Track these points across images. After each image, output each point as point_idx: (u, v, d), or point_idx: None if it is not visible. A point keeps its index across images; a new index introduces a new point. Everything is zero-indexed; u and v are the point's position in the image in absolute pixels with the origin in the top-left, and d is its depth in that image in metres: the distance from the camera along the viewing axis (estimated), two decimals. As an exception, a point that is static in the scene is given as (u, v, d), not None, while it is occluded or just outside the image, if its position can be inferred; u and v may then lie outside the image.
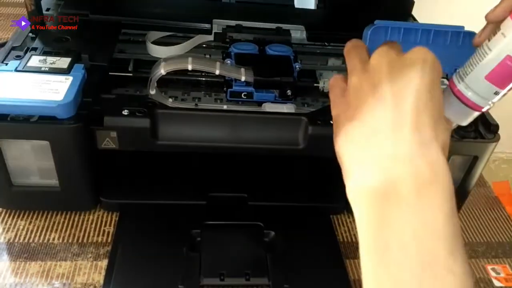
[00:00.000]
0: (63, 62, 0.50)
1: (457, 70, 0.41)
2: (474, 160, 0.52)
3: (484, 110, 0.40)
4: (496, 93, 0.38)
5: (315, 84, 0.64)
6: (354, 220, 0.55)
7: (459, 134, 0.49)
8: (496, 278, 0.51)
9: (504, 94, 0.39)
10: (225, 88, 0.59)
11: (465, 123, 0.43)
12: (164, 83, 0.61)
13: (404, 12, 0.72)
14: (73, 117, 0.45)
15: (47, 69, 0.48)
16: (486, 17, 0.37)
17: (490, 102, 0.39)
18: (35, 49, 0.52)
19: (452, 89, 0.41)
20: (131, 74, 0.61)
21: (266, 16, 0.68)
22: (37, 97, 0.44)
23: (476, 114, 0.42)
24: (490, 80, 0.38)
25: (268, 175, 0.59)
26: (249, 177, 0.58)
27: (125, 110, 0.48)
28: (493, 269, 0.52)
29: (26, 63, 0.49)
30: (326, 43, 0.69)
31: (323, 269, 0.48)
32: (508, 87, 0.38)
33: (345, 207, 0.57)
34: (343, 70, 0.66)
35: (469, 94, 0.40)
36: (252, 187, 0.56)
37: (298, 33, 0.67)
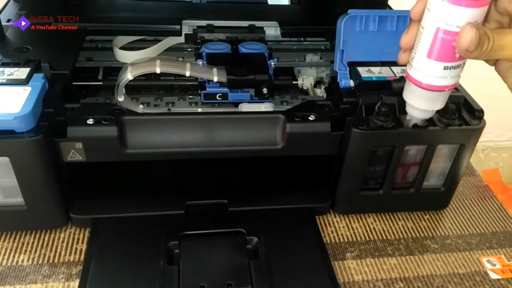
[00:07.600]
0: (22, 72, 0.47)
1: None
2: (461, 148, 0.49)
3: (448, 88, 0.38)
4: (447, 68, 0.37)
5: (294, 82, 0.62)
6: (340, 220, 0.54)
7: (443, 122, 0.47)
8: (492, 270, 0.49)
9: (461, 66, 0.37)
10: (199, 91, 0.56)
11: (438, 106, 0.41)
12: (136, 89, 0.59)
13: (380, 3, 0.70)
14: (33, 130, 0.42)
15: (4, 81, 0.45)
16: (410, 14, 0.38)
17: (447, 78, 0.38)
18: (-8, 61, 0.49)
19: (407, 77, 0.40)
20: (101, 83, 0.59)
21: (238, 14, 0.66)
22: (-7, 111, 0.41)
23: (442, 94, 0.40)
24: (433, 57, 0.37)
25: (248, 179, 0.56)
26: (229, 182, 0.55)
27: (90, 119, 0.45)
28: (488, 261, 0.50)
29: (-18, 76, 0.46)
30: (302, 39, 0.67)
31: (311, 273, 0.45)
32: (457, 58, 0.36)
33: (331, 207, 0.54)
34: (321, 65, 0.64)
35: (420, 77, 0.39)
36: (232, 192, 0.53)
37: (272, 30, 0.65)
